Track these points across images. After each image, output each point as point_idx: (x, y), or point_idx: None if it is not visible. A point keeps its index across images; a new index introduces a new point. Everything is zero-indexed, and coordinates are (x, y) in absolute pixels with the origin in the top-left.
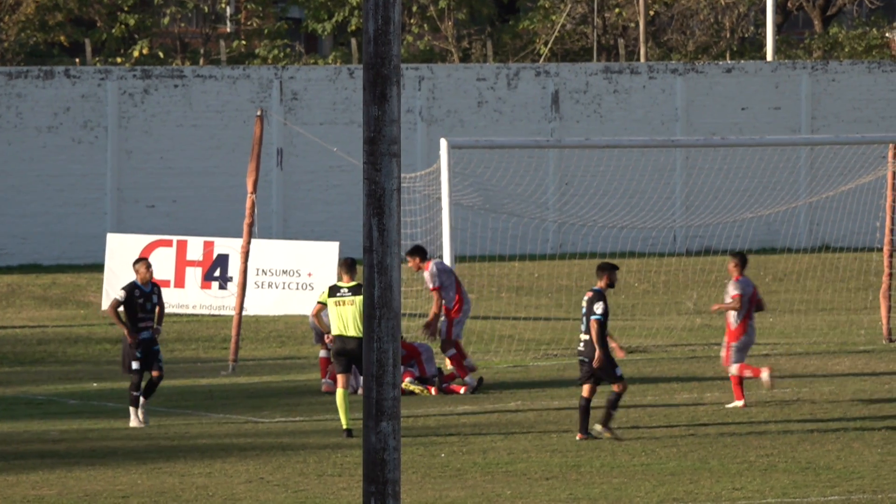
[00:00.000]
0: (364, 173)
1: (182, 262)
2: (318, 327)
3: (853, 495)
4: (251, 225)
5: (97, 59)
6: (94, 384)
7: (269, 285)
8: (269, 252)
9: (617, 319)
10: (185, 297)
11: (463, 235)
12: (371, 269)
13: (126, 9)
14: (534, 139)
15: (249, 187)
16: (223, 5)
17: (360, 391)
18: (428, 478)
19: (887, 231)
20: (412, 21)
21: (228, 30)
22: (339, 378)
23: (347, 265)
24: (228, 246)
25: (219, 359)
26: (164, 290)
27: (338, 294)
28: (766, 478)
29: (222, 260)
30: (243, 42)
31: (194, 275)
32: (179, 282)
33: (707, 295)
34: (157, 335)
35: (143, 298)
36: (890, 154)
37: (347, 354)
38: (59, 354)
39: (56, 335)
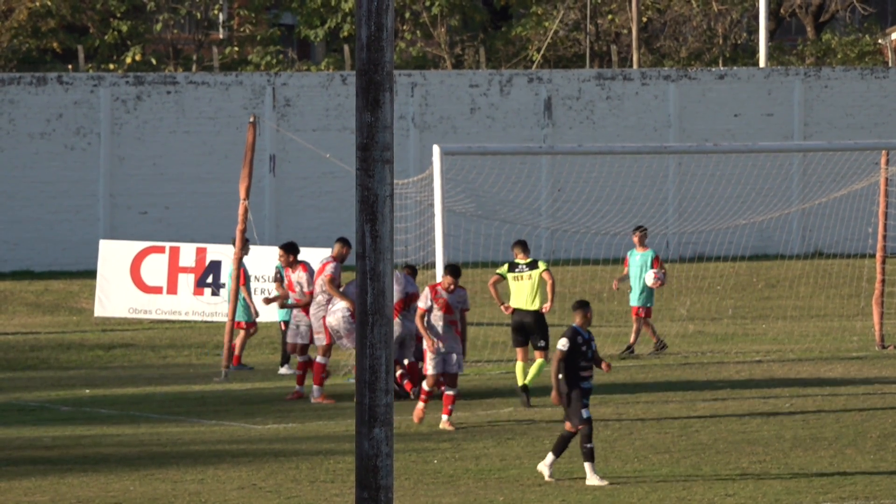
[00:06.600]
0: (357, 179)
1: (174, 269)
2: (334, 327)
3: (846, 501)
4: (244, 231)
5: (90, 65)
6: (87, 390)
7: (262, 291)
8: (261, 258)
9: (610, 326)
10: (178, 304)
11: (456, 242)
12: (364, 276)
13: (119, 15)
14: (526, 145)
15: (242, 193)
16: (216, 12)
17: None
18: (420, 484)
19: (880, 237)
20: (405, 27)
21: (221, 36)
22: (519, 352)
23: (522, 244)
24: (221, 252)
25: (211, 365)
26: (156, 297)
27: (516, 270)
28: (758, 484)
29: (215, 266)
30: (236, 48)
31: (187, 281)
32: (172, 288)
33: (700, 301)
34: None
35: (584, 346)
36: (882, 160)
37: (524, 327)
38: (52, 361)
39: (48, 342)
